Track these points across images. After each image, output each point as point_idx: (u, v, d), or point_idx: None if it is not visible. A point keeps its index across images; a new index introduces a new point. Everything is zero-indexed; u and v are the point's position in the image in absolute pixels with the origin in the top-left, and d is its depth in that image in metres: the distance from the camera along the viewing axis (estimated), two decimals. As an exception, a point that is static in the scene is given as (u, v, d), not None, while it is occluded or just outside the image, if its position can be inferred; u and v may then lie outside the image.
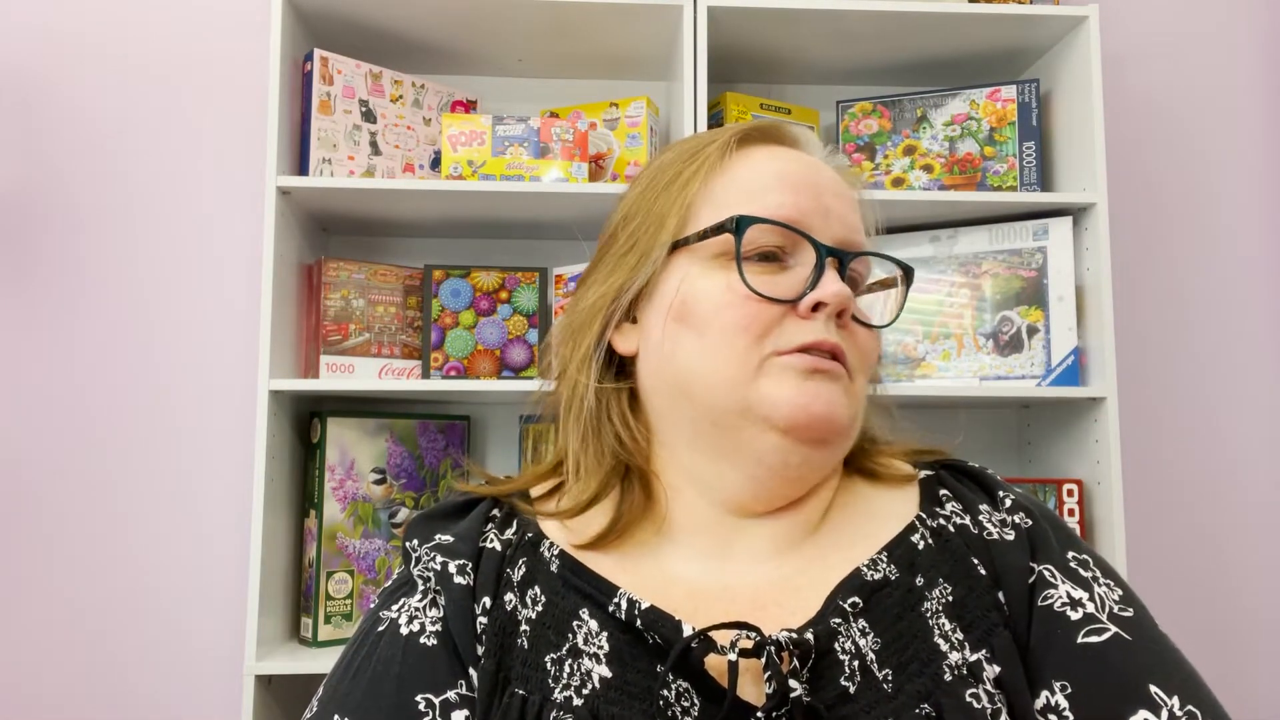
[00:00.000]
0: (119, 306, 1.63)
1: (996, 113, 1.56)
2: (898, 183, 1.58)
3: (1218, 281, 1.78)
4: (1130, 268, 1.75)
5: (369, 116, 1.52)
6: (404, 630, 0.60)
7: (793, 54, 1.63)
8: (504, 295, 1.52)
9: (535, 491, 0.68)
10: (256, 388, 1.37)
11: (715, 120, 1.58)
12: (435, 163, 1.58)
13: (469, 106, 1.65)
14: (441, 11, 1.49)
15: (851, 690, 0.55)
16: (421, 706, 0.57)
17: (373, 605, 0.64)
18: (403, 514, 1.51)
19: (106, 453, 1.60)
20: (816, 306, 0.59)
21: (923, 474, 0.67)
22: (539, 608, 0.60)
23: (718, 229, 0.61)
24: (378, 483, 1.49)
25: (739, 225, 0.60)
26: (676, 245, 0.63)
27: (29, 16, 1.66)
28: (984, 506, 0.64)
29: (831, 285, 0.59)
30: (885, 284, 0.68)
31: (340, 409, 1.49)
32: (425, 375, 1.50)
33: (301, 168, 1.46)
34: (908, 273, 0.67)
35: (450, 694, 0.57)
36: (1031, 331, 1.49)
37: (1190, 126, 1.81)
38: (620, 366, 0.67)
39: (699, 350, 0.60)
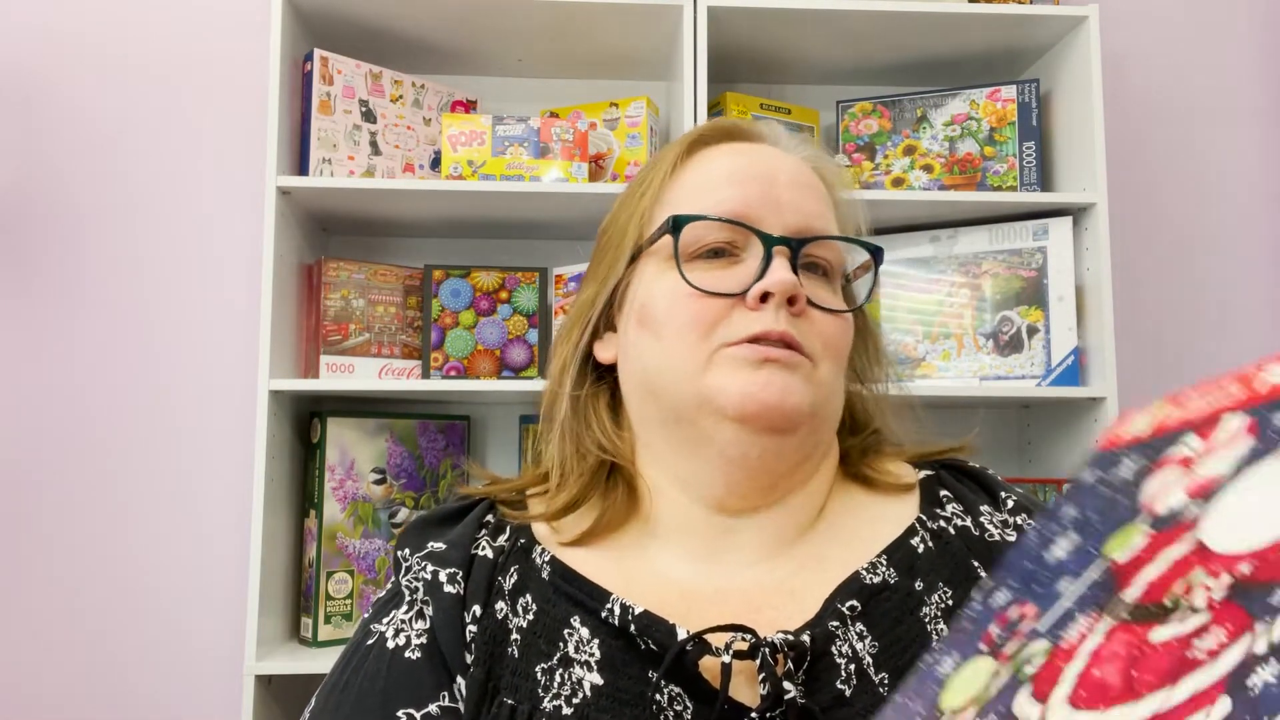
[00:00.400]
0: (119, 306, 1.63)
1: (996, 113, 1.56)
2: (898, 183, 1.58)
3: (1218, 281, 1.78)
4: (1130, 268, 1.74)
5: (369, 116, 1.52)
6: (390, 644, 0.60)
7: (793, 54, 1.63)
8: (504, 295, 1.52)
9: (530, 493, 0.68)
10: (256, 388, 1.37)
11: (715, 120, 1.58)
12: (435, 163, 1.58)
13: (469, 106, 1.64)
14: (441, 11, 1.49)
15: (847, 693, 0.55)
16: None
17: (366, 615, 0.64)
18: (403, 514, 1.51)
19: (106, 453, 1.60)
20: (765, 297, 0.59)
21: (922, 474, 0.67)
22: (530, 616, 0.59)
23: (661, 232, 0.63)
24: (378, 483, 1.49)
25: (675, 225, 0.61)
26: (636, 254, 0.65)
27: (29, 16, 1.66)
28: (985, 507, 0.63)
29: (777, 274, 0.59)
30: (867, 268, 0.68)
31: (340, 409, 1.49)
32: (425, 375, 1.50)
33: (301, 168, 1.46)
34: (874, 254, 0.67)
35: (431, 707, 0.57)
36: (1031, 331, 1.49)
37: (1190, 126, 1.80)
38: (607, 373, 0.68)
39: (659, 351, 0.61)
